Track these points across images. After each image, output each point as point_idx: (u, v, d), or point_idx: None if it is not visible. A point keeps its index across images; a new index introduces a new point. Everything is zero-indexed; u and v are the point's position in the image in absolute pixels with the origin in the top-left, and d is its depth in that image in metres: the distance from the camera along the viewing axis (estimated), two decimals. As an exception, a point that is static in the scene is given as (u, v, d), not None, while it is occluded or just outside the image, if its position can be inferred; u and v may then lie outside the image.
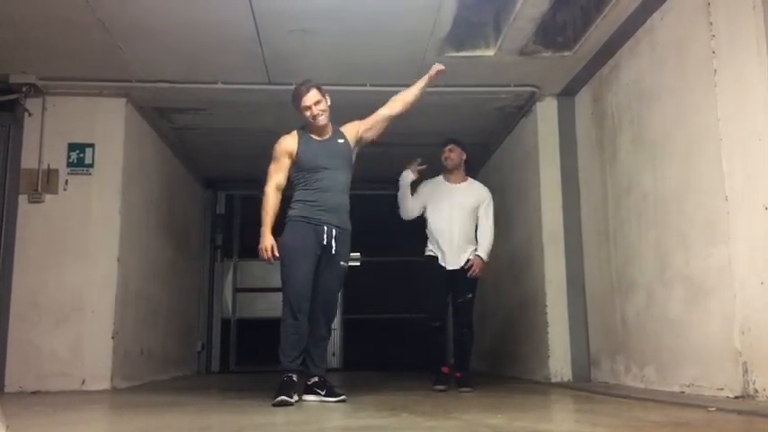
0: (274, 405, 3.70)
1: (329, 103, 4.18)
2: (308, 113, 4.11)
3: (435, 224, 5.05)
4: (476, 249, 5.03)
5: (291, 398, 3.83)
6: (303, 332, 4.03)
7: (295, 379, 3.98)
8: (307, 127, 4.21)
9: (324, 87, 4.22)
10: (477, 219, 5.09)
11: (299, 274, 3.99)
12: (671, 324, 4.13)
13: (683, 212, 4.01)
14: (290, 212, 4.11)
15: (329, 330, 4.26)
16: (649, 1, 4.28)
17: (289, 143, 4.16)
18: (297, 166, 4.14)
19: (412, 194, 5.14)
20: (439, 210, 5.05)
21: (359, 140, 4.32)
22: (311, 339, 4.10)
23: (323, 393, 4.03)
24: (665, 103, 4.23)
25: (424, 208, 5.11)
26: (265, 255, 4.04)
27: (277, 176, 4.13)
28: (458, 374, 4.97)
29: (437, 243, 5.03)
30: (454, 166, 5.15)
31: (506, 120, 6.53)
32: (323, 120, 4.14)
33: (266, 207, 4.07)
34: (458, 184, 5.15)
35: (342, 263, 4.16)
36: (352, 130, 4.30)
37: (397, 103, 4.38)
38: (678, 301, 4.05)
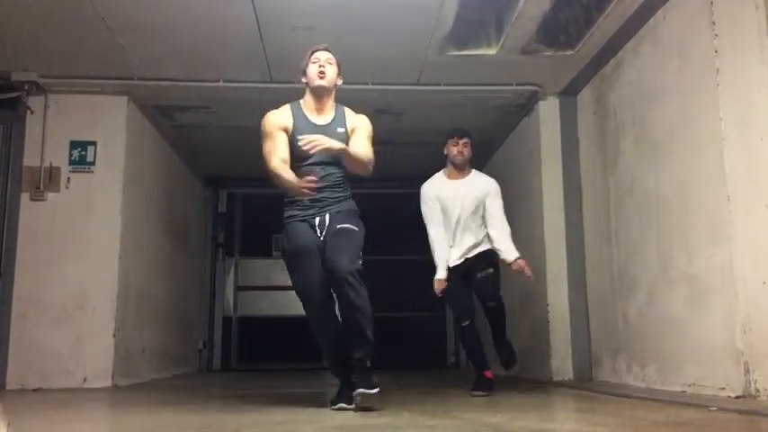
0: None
1: (340, 82, 3.76)
2: (314, 68, 3.64)
3: (444, 225, 4.66)
4: (485, 242, 4.61)
5: (346, 403, 3.47)
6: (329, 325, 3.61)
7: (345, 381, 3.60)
8: (303, 102, 3.71)
9: None
10: (484, 211, 4.64)
11: (303, 276, 3.57)
12: (672, 323, 4.12)
13: (685, 212, 4.01)
14: (285, 215, 3.68)
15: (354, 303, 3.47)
16: (652, 0, 4.27)
17: (276, 118, 3.63)
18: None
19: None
20: (448, 212, 4.65)
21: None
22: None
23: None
24: (668, 102, 4.22)
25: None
26: (307, 184, 3.42)
27: (278, 151, 3.54)
28: (487, 373, 4.51)
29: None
30: (465, 162, 4.69)
31: (508, 119, 6.53)
32: (327, 82, 3.64)
33: (281, 174, 3.48)
34: (463, 179, 4.70)
35: (339, 226, 3.55)
36: (354, 124, 3.74)
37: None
38: (680, 300, 4.05)
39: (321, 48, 3.74)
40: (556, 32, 5.09)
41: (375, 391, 3.39)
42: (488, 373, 4.51)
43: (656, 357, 4.33)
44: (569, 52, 5.12)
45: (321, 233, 3.57)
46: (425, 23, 4.75)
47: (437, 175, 4.80)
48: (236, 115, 6.38)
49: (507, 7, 4.76)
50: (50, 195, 5.48)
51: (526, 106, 6.15)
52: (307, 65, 3.69)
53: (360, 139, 3.68)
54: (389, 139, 7.21)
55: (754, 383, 3.34)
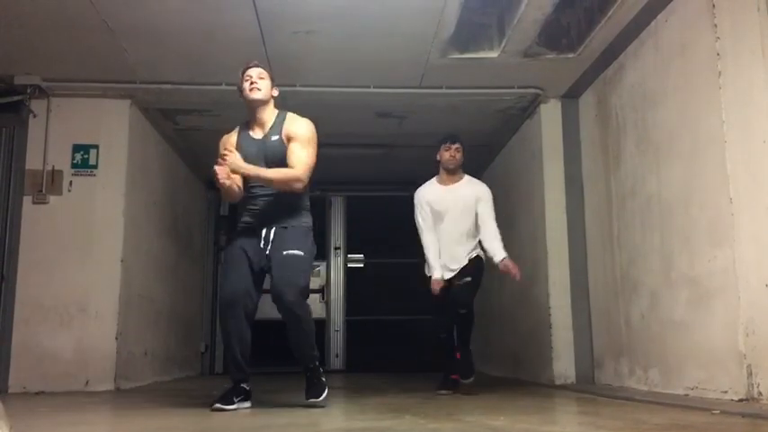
0: None
1: (275, 94, 3.85)
2: (246, 84, 3.76)
3: (438, 233, 4.79)
4: (476, 249, 4.77)
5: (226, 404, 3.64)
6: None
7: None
8: (247, 122, 3.89)
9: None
10: (476, 216, 4.78)
11: (232, 280, 3.71)
12: (675, 326, 4.12)
13: (687, 214, 4.00)
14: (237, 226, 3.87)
15: (301, 331, 3.74)
16: (653, 3, 4.27)
17: (227, 141, 3.86)
18: None
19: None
20: (441, 217, 4.78)
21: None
22: None
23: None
24: (670, 104, 4.22)
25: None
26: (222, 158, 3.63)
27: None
28: (458, 354, 4.73)
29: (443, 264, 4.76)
30: (457, 167, 4.84)
31: (510, 122, 6.53)
32: (257, 95, 3.74)
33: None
34: (455, 185, 4.83)
35: (284, 252, 3.65)
36: (289, 131, 3.77)
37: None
38: (682, 303, 4.04)
39: (252, 65, 3.85)
40: (558, 35, 5.09)
41: (323, 397, 3.71)
42: (455, 376, 4.73)
43: (658, 360, 4.32)
44: (571, 55, 5.12)
45: (266, 246, 3.71)
46: (427, 27, 4.76)
47: (430, 180, 4.92)
48: (239, 118, 6.35)
49: (509, 10, 4.76)
50: (53, 198, 5.48)
51: (528, 109, 6.15)
52: (241, 82, 3.82)
53: (293, 150, 3.72)
54: (391, 142, 7.22)
55: (757, 386, 3.33)
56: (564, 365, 5.51)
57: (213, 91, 5.71)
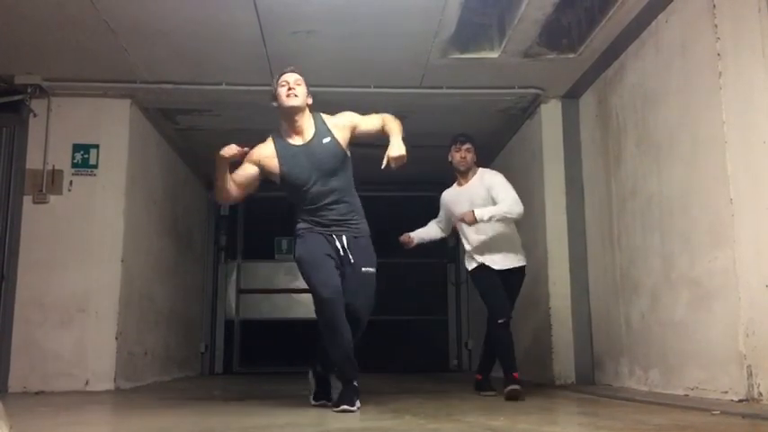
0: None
1: (310, 101, 3.75)
2: (282, 90, 3.65)
3: (466, 236, 4.67)
4: (519, 253, 4.73)
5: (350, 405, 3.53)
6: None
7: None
8: (281, 129, 3.76)
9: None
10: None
11: (321, 275, 3.61)
12: (675, 327, 4.12)
13: (687, 215, 4.00)
14: (297, 226, 3.75)
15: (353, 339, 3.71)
16: (654, 3, 4.27)
17: (257, 153, 3.71)
18: (284, 182, 3.70)
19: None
20: (455, 221, 4.72)
21: (351, 137, 3.78)
22: None
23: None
24: (670, 105, 4.22)
25: (449, 221, 4.81)
26: (231, 151, 3.56)
27: (236, 175, 3.71)
28: (515, 374, 4.43)
29: (479, 252, 4.62)
30: (468, 168, 4.68)
31: (510, 122, 6.53)
32: (295, 102, 3.63)
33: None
34: (468, 184, 4.69)
35: (364, 269, 3.71)
36: (344, 125, 3.75)
37: (384, 128, 3.81)
38: (682, 303, 4.04)
39: (288, 70, 3.76)
40: (558, 36, 5.09)
41: (356, 408, 3.52)
42: (516, 375, 4.41)
43: (658, 361, 4.32)
44: (572, 55, 5.12)
45: (342, 250, 3.67)
46: (428, 27, 4.75)
47: (454, 184, 4.84)
48: (239, 118, 6.39)
49: (510, 10, 4.76)
50: (53, 198, 5.49)
51: (528, 109, 6.15)
52: (276, 88, 3.71)
53: (368, 124, 3.77)
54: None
55: (757, 387, 3.33)
56: (564, 366, 5.51)
57: (214, 91, 5.71)
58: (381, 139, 3.80)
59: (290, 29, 4.77)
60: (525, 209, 6.26)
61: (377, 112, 6.49)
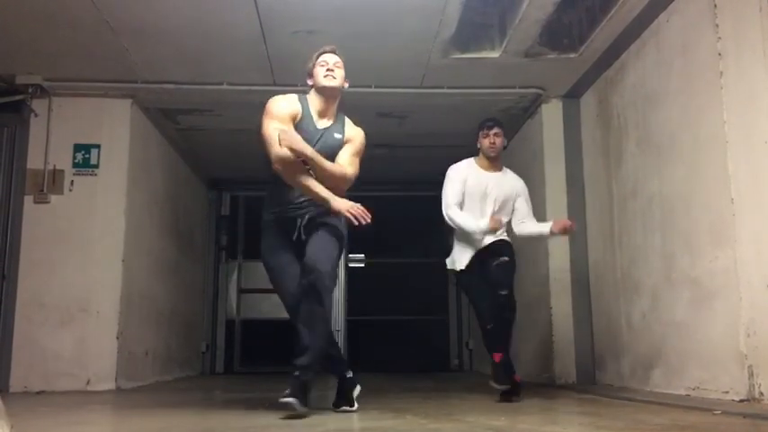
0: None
1: (347, 85, 3.67)
2: (321, 70, 3.54)
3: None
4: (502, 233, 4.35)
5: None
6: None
7: None
8: (309, 100, 3.60)
9: None
10: (510, 213, 4.43)
11: (286, 283, 3.52)
12: (676, 326, 4.12)
13: (688, 215, 4.00)
14: (264, 214, 3.66)
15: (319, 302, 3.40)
16: (655, 2, 4.27)
17: (285, 104, 3.52)
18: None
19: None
20: (471, 201, 4.34)
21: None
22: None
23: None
24: (671, 105, 4.22)
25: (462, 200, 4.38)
26: (287, 140, 3.33)
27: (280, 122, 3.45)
28: (496, 356, 4.09)
29: (466, 239, 4.33)
30: (497, 153, 4.38)
31: (511, 122, 6.52)
32: (332, 83, 3.53)
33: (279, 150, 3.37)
34: (493, 173, 4.40)
35: (323, 221, 3.50)
36: (349, 137, 3.65)
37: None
38: (683, 303, 4.04)
39: (329, 50, 3.64)
40: (559, 35, 5.09)
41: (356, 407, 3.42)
42: (517, 378, 4.20)
43: (659, 360, 4.32)
44: (572, 55, 5.12)
45: (298, 231, 3.53)
46: (428, 26, 4.75)
47: (468, 160, 4.47)
48: (240, 118, 6.39)
49: (510, 10, 4.76)
50: (54, 198, 5.49)
51: (529, 109, 6.15)
52: (314, 66, 3.60)
53: (347, 152, 3.59)
54: (392, 142, 7.21)
55: (758, 387, 3.33)
56: (565, 365, 5.51)
57: (214, 91, 5.71)
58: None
59: (290, 28, 4.77)
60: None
61: (377, 111, 6.52)
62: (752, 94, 3.42)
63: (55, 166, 5.52)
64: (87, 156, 5.59)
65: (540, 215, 5.85)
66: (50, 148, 5.52)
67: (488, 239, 4.30)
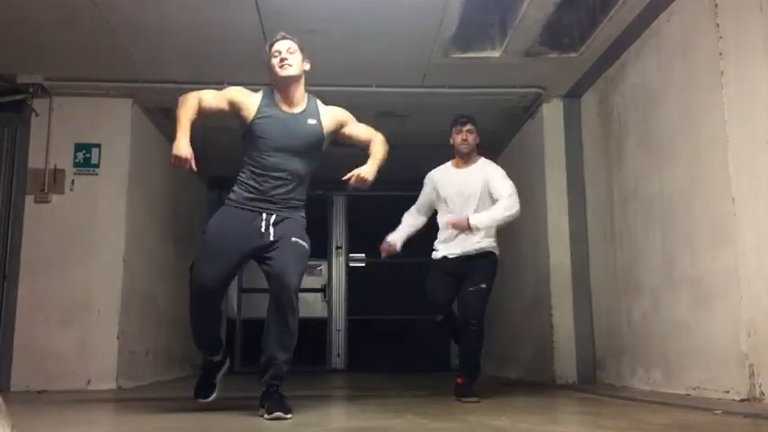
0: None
1: (307, 67, 3.55)
2: (275, 61, 3.44)
3: (442, 217, 4.47)
4: (488, 238, 4.33)
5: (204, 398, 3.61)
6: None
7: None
8: (275, 91, 3.53)
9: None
10: (491, 200, 4.37)
11: (209, 262, 3.40)
12: (677, 326, 4.11)
13: (689, 214, 4.00)
14: (229, 194, 3.57)
15: (287, 324, 3.32)
16: (656, 2, 4.27)
17: (242, 96, 3.52)
18: (248, 136, 3.50)
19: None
20: (446, 200, 4.44)
21: (335, 132, 3.63)
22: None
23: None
24: (672, 104, 4.22)
25: (432, 203, 4.53)
26: (179, 162, 3.42)
27: (206, 99, 3.55)
28: (459, 380, 4.18)
29: (443, 236, 4.44)
30: (470, 150, 4.44)
31: (512, 121, 6.53)
32: (289, 71, 3.43)
33: (185, 106, 3.54)
34: (467, 168, 4.47)
35: (293, 238, 3.39)
36: (335, 117, 3.59)
37: (370, 145, 3.76)
38: (684, 303, 4.04)
39: (279, 37, 3.53)
40: (560, 35, 5.09)
41: (290, 417, 3.18)
42: (459, 380, 4.20)
43: (660, 360, 4.32)
44: (573, 55, 5.12)
45: (267, 231, 3.40)
46: (429, 26, 4.75)
47: (445, 164, 4.60)
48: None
49: (511, 10, 4.76)
50: (55, 198, 5.49)
51: (530, 109, 6.15)
52: (269, 59, 3.49)
53: (357, 129, 3.68)
54: (393, 142, 7.16)
55: (759, 387, 3.33)
56: (566, 365, 5.51)
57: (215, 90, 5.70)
58: (390, 138, 3.79)
59: (291, 28, 4.70)
60: (527, 209, 6.27)
61: (378, 111, 6.51)
62: (753, 93, 3.42)
63: (56, 165, 5.52)
64: (88, 155, 5.59)
65: (541, 214, 5.88)
66: (51, 147, 5.52)
67: (469, 247, 4.31)
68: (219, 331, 3.69)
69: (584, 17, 4.93)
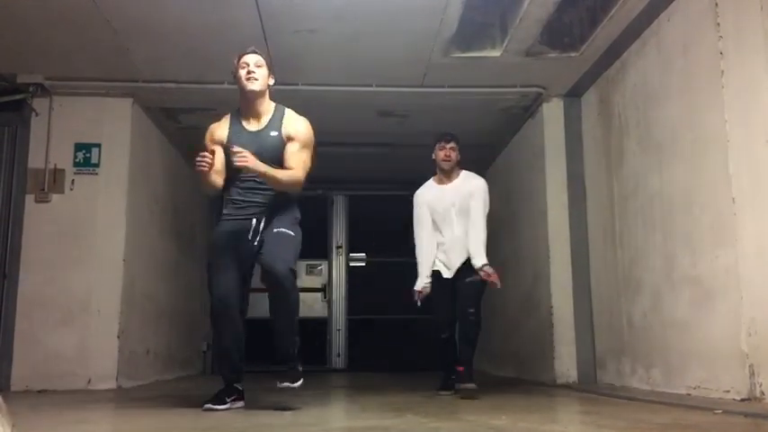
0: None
1: (272, 82, 3.73)
2: (242, 72, 3.61)
3: (436, 230, 4.70)
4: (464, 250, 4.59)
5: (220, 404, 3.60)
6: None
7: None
8: (240, 110, 3.73)
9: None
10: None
11: (219, 276, 3.63)
12: (677, 326, 4.11)
13: (689, 214, 4.00)
14: (222, 211, 3.77)
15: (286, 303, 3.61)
16: (656, 2, 4.27)
17: (216, 133, 3.73)
18: (227, 158, 3.63)
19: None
20: (437, 217, 4.68)
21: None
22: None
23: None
24: (672, 104, 4.22)
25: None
26: (203, 157, 3.48)
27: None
28: (460, 368, 4.42)
29: (438, 249, 4.68)
30: (452, 167, 4.71)
31: (512, 121, 6.52)
32: (258, 86, 3.61)
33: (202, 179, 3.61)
34: (452, 183, 4.72)
35: (276, 230, 3.58)
36: (290, 130, 3.68)
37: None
38: (684, 302, 4.04)
39: (249, 51, 3.70)
40: (560, 34, 5.09)
41: (298, 384, 3.62)
42: (461, 368, 4.44)
43: (660, 360, 4.32)
44: (573, 54, 5.12)
45: (254, 238, 3.61)
46: (430, 25, 4.75)
47: (428, 182, 4.86)
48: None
49: (511, 9, 4.76)
50: (55, 197, 5.49)
51: (530, 108, 6.14)
52: (236, 69, 3.67)
53: (293, 151, 3.65)
54: (393, 141, 7.22)
55: (759, 386, 3.32)
56: (566, 365, 5.51)
57: (215, 90, 5.70)
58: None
59: (291, 28, 4.77)
60: (527, 207, 6.31)
61: (378, 110, 6.51)
62: (753, 92, 3.42)
63: (56, 165, 5.52)
64: (88, 155, 5.59)
65: (541, 214, 5.88)
66: (51, 147, 5.52)
67: (456, 263, 4.61)
68: (243, 352, 3.73)
69: (584, 16, 4.93)
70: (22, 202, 5.46)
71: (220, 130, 3.75)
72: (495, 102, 6.11)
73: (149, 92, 5.74)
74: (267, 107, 3.72)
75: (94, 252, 5.47)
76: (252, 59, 3.65)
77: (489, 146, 7.22)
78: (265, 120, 3.70)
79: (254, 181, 3.63)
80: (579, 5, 4.89)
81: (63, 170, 5.53)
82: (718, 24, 3.68)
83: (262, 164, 3.51)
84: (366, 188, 9.00)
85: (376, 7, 4.54)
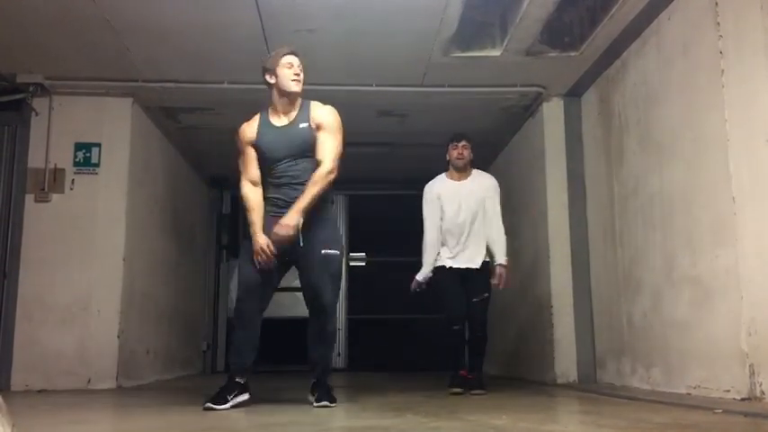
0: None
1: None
2: (289, 73, 3.71)
3: (446, 226, 4.80)
4: (484, 250, 4.79)
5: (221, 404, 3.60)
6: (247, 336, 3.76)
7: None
8: (269, 107, 3.84)
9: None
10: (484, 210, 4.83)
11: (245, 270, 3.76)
12: (677, 325, 4.11)
13: (689, 213, 4.00)
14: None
15: (326, 329, 3.82)
16: (656, 1, 4.27)
17: (246, 132, 3.82)
18: (258, 156, 3.78)
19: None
20: (449, 211, 4.81)
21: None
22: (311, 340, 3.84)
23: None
24: (672, 103, 4.22)
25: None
26: (262, 255, 3.65)
27: (247, 171, 3.81)
28: (470, 376, 4.68)
29: (447, 245, 4.80)
30: (466, 164, 4.89)
31: (512, 120, 6.52)
32: (298, 88, 3.74)
33: (247, 206, 3.77)
34: (465, 180, 4.90)
35: (323, 251, 3.70)
36: (319, 117, 3.79)
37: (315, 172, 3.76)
38: (685, 302, 4.04)
39: (291, 51, 3.79)
40: (560, 34, 5.09)
41: (334, 405, 3.68)
42: (464, 372, 4.72)
43: (660, 359, 4.32)
44: (574, 54, 5.12)
45: (298, 239, 3.64)
46: (430, 25, 4.75)
47: (440, 176, 5.01)
48: (241, 117, 6.34)
49: (511, 9, 4.76)
50: (55, 197, 5.49)
51: (530, 107, 6.14)
52: (276, 66, 3.74)
53: (320, 142, 3.75)
54: (394, 140, 7.22)
55: (760, 386, 3.33)
56: (566, 364, 5.51)
57: (216, 89, 5.71)
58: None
59: (291, 27, 4.77)
60: (527, 207, 6.31)
61: (378, 110, 6.52)
62: (753, 92, 3.42)
63: (56, 164, 5.52)
64: (88, 154, 5.59)
65: (541, 213, 5.88)
66: (51, 146, 5.52)
67: (473, 266, 4.76)
68: (257, 348, 3.79)
69: (584, 16, 4.93)
70: (22, 201, 5.46)
71: (250, 129, 3.83)
72: (495, 101, 6.11)
73: (149, 92, 5.74)
74: (297, 104, 3.82)
75: (94, 252, 5.47)
76: (296, 61, 3.76)
77: (489, 145, 7.21)
78: (293, 114, 3.79)
79: (288, 176, 3.72)
80: (579, 5, 4.89)
81: (63, 170, 5.53)
82: (719, 24, 3.68)
83: (294, 213, 3.62)
84: (366, 188, 8.99)
85: (376, 7, 4.54)
